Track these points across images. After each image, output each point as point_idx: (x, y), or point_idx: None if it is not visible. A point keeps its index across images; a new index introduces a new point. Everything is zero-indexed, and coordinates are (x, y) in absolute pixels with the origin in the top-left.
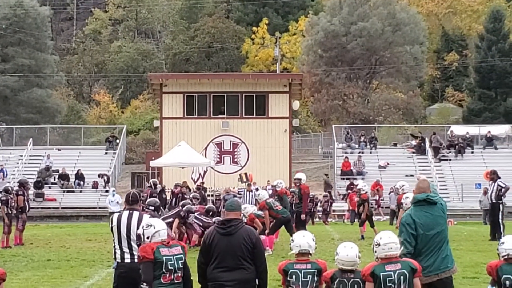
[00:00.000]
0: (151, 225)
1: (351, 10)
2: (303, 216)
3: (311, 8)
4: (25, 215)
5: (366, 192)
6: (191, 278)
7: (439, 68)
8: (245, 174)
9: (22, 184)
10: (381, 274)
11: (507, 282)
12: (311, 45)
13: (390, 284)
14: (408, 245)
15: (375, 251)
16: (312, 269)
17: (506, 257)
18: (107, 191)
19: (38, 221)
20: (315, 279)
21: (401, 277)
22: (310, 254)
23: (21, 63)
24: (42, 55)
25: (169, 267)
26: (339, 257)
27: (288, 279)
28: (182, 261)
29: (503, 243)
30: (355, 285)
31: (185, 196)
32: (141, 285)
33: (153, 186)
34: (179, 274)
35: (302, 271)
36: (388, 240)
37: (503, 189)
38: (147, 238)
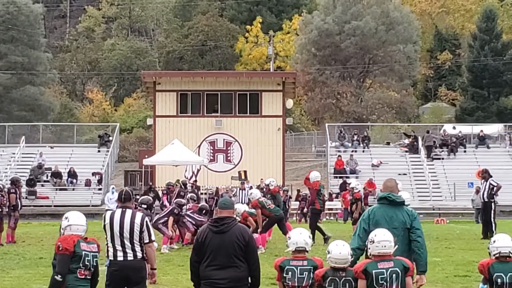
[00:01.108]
0: (67, 218)
1: (345, 9)
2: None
3: (305, 7)
4: (17, 213)
5: (359, 191)
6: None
7: (432, 67)
8: (244, 172)
9: (14, 182)
10: (373, 271)
11: (499, 280)
12: (304, 44)
13: (382, 282)
14: (359, 239)
15: (369, 248)
16: (308, 266)
17: (497, 255)
18: (100, 189)
19: (30, 219)
20: (311, 276)
21: (394, 275)
22: (307, 251)
23: (14, 61)
24: (35, 53)
25: (86, 263)
26: (331, 255)
27: (284, 275)
28: (97, 259)
29: (494, 241)
30: (347, 284)
31: (180, 194)
32: (55, 277)
33: (183, 186)
34: (92, 271)
35: (299, 267)
36: (382, 238)
37: (495, 188)
38: (62, 229)
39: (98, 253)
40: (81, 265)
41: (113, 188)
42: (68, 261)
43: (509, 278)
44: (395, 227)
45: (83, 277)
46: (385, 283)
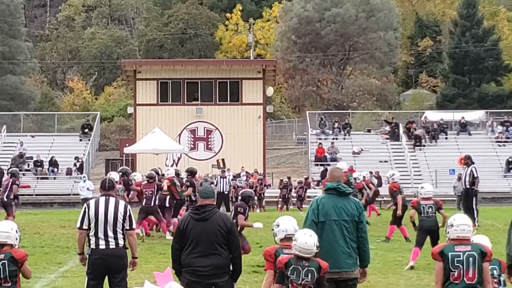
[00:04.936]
0: None
1: None
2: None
3: None
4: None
5: (361, 181)
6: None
7: (413, 54)
8: (222, 160)
9: (14, 174)
10: (449, 253)
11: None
12: (284, 31)
13: (458, 264)
14: None
15: (447, 232)
16: None
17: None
18: (81, 178)
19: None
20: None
21: (470, 258)
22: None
23: None
24: (15, 42)
25: None
26: (297, 243)
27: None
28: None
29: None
30: (309, 274)
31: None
32: None
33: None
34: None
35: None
36: (462, 222)
37: (476, 179)
38: None
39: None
40: None
41: (84, 177)
42: None
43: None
44: (344, 219)
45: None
46: (461, 266)
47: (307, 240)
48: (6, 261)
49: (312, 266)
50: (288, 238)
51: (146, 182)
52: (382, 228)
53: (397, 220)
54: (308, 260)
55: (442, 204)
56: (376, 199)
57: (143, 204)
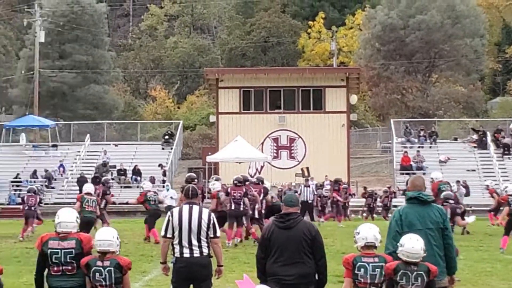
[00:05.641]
0: (58, 216)
1: (410, 2)
2: None
3: (368, 1)
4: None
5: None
6: None
7: (500, 61)
8: (307, 168)
9: (104, 183)
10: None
11: None
12: (368, 39)
13: None
14: (394, 243)
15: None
16: (380, 263)
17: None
18: (163, 186)
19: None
20: (383, 273)
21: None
22: (376, 247)
23: (79, 60)
24: (99, 52)
25: (54, 260)
26: (403, 248)
27: (356, 272)
28: (71, 255)
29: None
30: (419, 278)
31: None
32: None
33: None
34: (69, 267)
35: (370, 264)
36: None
37: None
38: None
39: (76, 249)
40: (50, 262)
41: (167, 185)
42: (40, 259)
43: None
44: (429, 227)
45: (59, 273)
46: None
47: (414, 245)
48: (112, 268)
49: (421, 270)
50: (369, 246)
51: (234, 185)
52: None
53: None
54: (416, 264)
55: None
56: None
57: (232, 208)
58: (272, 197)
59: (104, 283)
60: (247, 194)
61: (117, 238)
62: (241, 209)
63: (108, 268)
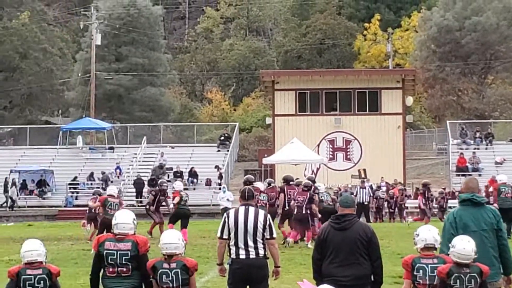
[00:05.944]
0: (115, 217)
1: (465, 4)
2: None
3: (424, 3)
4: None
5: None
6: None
7: None
8: (364, 170)
9: (161, 185)
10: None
11: None
12: (424, 41)
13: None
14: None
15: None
16: (439, 264)
17: None
18: (220, 188)
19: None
20: None
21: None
22: (435, 248)
23: (135, 62)
24: (155, 54)
25: (110, 261)
26: (455, 249)
27: (415, 273)
28: (126, 257)
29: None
30: (472, 280)
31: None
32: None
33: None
34: (124, 269)
35: (429, 265)
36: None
37: None
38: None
39: (133, 251)
40: (105, 263)
41: (224, 187)
42: (96, 260)
43: None
44: (483, 229)
45: (114, 274)
46: None
47: (465, 246)
48: (179, 270)
49: (474, 271)
50: (429, 248)
51: (301, 190)
52: None
53: None
54: (468, 266)
55: None
56: None
57: (295, 212)
58: (321, 200)
59: (171, 285)
60: (312, 200)
61: (183, 240)
62: (304, 212)
63: (175, 270)
